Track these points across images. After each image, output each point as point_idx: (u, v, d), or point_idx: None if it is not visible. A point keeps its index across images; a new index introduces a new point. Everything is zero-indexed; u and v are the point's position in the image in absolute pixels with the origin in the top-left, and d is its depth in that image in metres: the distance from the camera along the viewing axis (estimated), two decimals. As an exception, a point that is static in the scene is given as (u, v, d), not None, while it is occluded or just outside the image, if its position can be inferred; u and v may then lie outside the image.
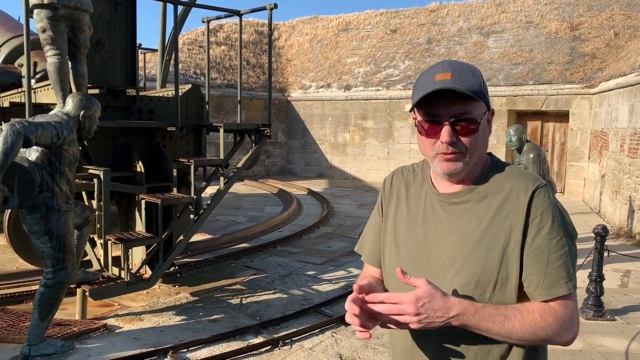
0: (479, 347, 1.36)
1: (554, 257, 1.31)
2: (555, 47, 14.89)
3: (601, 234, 5.12)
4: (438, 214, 1.44)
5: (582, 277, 5.13)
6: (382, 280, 1.59)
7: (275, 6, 5.95)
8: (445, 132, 1.34)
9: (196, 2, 6.13)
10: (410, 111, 1.44)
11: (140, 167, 5.26)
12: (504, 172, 1.43)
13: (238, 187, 14.03)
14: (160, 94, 6.46)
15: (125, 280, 4.85)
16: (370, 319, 1.32)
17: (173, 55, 6.47)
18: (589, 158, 12.67)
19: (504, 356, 1.37)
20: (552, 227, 1.32)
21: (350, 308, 1.30)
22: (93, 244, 5.25)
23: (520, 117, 14.00)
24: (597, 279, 5.14)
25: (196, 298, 5.57)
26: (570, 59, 14.19)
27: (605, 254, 5.27)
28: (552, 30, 15.45)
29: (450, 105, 1.34)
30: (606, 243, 5.31)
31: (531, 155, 6.32)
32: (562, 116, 13.58)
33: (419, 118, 1.40)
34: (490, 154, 1.50)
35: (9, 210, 5.71)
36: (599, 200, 11.13)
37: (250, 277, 6.37)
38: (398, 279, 1.41)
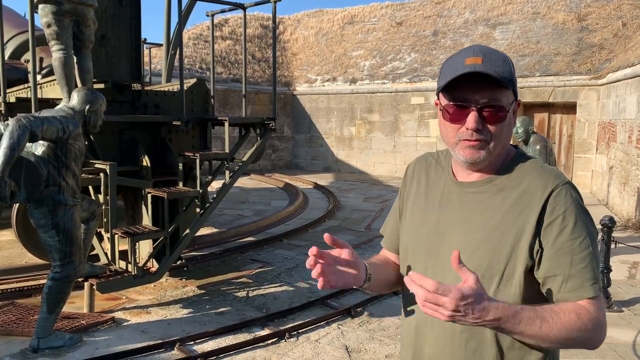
0: (478, 336, 1.35)
1: (577, 258, 1.27)
2: (563, 38, 14.78)
3: (608, 225, 5.10)
4: (454, 202, 1.43)
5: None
6: (397, 265, 1.60)
7: (280, -2, 5.94)
8: (472, 117, 1.30)
9: (200, -4, 6.13)
10: (437, 94, 1.40)
11: (146, 161, 5.28)
12: (525, 166, 1.39)
13: (244, 181, 14.06)
14: (166, 89, 6.47)
15: (133, 273, 4.88)
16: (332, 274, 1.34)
17: (178, 50, 6.47)
18: (597, 150, 12.59)
19: (499, 354, 1.35)
20: (575, 227, 1.28)
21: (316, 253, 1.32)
22: (100, 238, 5.28)
23: (527, 109, 13.92)
24: (604, 270, 5.12)
25: (203, 291, 5.60)
26: (578, 50, 14.08)
27: (613, 245, 5.25)
28: (559, 21, 15.33)
29: (479, 91, 1.29)
30: (614, 235, 5.28)
31: (537, 147, 6.29)
32: (570, 108, 13.49)
33: (444, 102, 1.35)
34: (515, 146, 1.46)
35: (17, 205, 5.75)
36: (607, 192, 11.07)
37: (257, 270, 6.39)
38: (418, 265, 1.43)
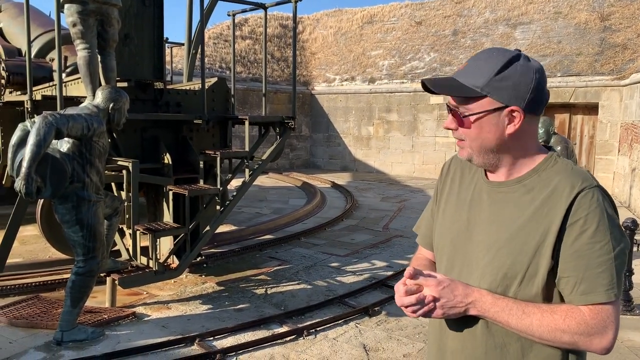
0: (501, 333, 1.37)
1: (595, 262, 1.26)
2: (585, 38, 14.58)
3: (630, 227, 5.03)
4: (483, 201, 1.45)
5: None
6: (435, 263, 1.63)
7: (300, -2, 5.97)
8: (448, 119, 1.44)
9: (222, -4, 6.19)
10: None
11: (167, 159, 5.35)
12: (556, 168, 1.39)
13: (262, 180, 14.13)
14: (187, 87, 6.54)
15: (154, 269, 4.95)
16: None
17: (199, 49, 6.54)
18: (619, 151, 12.40)
19: (524, 351, 1.36)
20: (597, 231, 1.27)
21: (399, 289, 1.38)
22: (122, 234, 5.36)
23: (547, 109, 13.74)
24: (626, 273, 5.06)
25: (222, 288, 5.65)
26: (600, 50, 13.88)
27: (635, 248, 5.19)
28: (581, 20, 15.13)
29: (454, 97, 1.41)
30: (636, 237, 5.22)
31: (558, 148, 6.23)
32: (591, 109, 13.31)
33: None
34: (550, 147, 1.48)
35: (42, 201, 5.86)
36: (629, 194, 10.91)
37: (275, 268, 6.43)
38: (445, 263, 1.49)
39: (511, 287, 1.34)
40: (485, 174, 1.50)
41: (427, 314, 1.36)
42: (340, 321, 4.78)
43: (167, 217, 5.62)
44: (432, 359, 1.56)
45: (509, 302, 1.32)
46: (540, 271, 1.32)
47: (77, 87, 5.55)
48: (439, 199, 1.62)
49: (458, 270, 1.44)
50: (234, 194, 5.86)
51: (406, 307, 1.36)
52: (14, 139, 4.14)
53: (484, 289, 1.36)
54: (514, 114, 1.35)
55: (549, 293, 1.34)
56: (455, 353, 1.46)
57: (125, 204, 4.87)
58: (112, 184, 5.30)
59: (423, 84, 1.42)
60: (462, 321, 1.40)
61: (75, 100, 5.13)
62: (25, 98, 5.51)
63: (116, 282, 4.81)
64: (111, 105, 4.35)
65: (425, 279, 1.37)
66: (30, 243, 7.24)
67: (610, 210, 1.31)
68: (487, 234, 1.41)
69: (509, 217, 1.38)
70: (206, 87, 5.72)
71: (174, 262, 5.39)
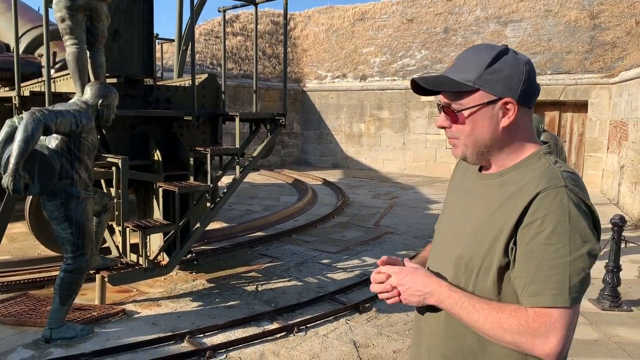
0: (457, 328, 1.40)
1: (547, 264, 1.23)
2: (575, 36, 14.67)
3: (618, 224, 5.08)
4: (472, 192, 1.48)
5: (599, 268, 5.07)
6: None
7: (291, -5, 5.95)
8: (440, 118, 1.44)
9: (212, -8, 6.16)
10: None
11: (157, 155, 5.32)
12: (536, 164, 1.35)
13: (254, 177, 14.10)
14: (177, 84, 6.51)
15: (143, 266, 4.93)
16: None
17: (190, 45, 6.51)
18: (608, 149, 12.50)
19: (481, 344, 1.37)
20: (553, 233, 1.23)
21: (375, 278, 1.47)
22: (112, 231, 5.34)
23: (537, 107, 13.79)
24: (614, 269, 5.11)
25: (212, 285, 5.64)
26: (590, 48, 13.97)
27: (623, 244, 5.23)
28: (571, 19, 15.22)
29: (444, 94, 1.41)
30: (624, 234, 5.27)
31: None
32: (581, 106, 13.40)
33: None
34: (545, 142, 1.46)
35: (30, 198, 5.82)
36: (618, 192, 11.00)
37: (266, 265, 6.43)
38: (434, 251, 1.56)
39: (470, 279, 1.37)
40: (480, 167, 1.51)
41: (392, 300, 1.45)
42: (330, 318, 4.78)
43: (157, 214, 5.60)
44: (413, 339, 1.64)
45: (462, 296, 1.33)
46: (493, 267, 1.32)
47: (66, 83, 5.51)
48: (448, 189, 1.66)
49: (444, 260, 1.48)
50: (225, 190, 5.85)
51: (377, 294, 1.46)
52: (1, 135, 4.10)
53: (447, 280, 1.40)
54: (507, 106, 1.35)
55: (504, 290, 1.34)
56: (427, 336, 1.51)
57: (115, 200, 4.84)
58: (102, 181, 5.26)
59: (413, 84, 1.39)
60: (431, 306, 1.43)
61: (64, 97, 5.10)
62: (13, 94, 5.45)
63: (105, 279, 4.78)
64: (100, 101, 4.32)
65: (391, 267, 1.44)
66: (19, 240, 7.18)
67: (576, 213, 1.25)
68: (461, 225, 1.44)
69: (480, 209, 1.40)
70: (196, 83, 5.70)
71: (164, 259, 5.38)
